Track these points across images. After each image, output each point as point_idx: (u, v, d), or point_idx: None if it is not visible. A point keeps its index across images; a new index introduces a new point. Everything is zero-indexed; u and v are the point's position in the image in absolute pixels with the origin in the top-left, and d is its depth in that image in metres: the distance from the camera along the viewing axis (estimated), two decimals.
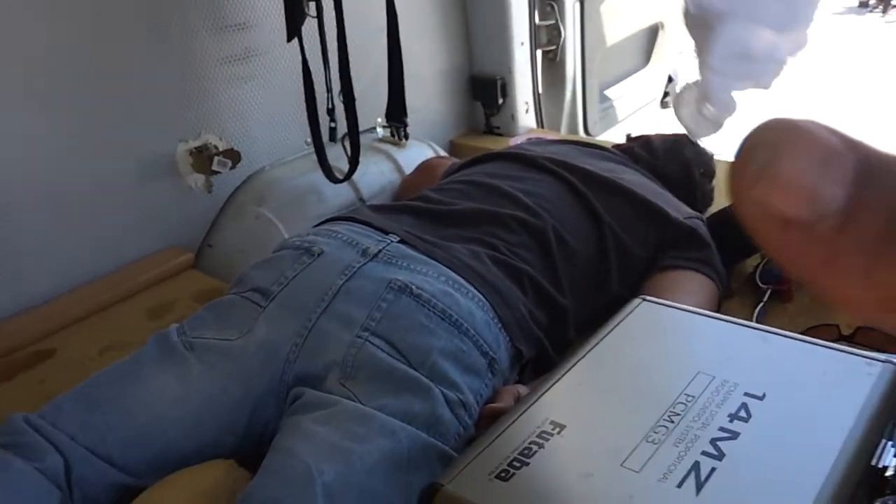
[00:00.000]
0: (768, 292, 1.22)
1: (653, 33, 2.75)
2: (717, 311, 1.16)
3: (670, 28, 2.77)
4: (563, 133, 2.41)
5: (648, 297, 0.89)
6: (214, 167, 1.50)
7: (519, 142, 1.84)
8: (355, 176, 1.64)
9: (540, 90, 2.37)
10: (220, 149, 1.55)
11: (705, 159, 1.45)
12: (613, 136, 2.58)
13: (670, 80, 3.18)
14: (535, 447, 0.68)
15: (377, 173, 1.69)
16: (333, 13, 1.35)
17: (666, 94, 3.21)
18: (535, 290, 1.02)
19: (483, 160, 1.32)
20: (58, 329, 1.29)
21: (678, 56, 3.05)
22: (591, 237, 1.13)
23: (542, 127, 2.29)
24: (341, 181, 1.50)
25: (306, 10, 1.45)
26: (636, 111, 2.77)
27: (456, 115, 2.13)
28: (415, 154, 1.74)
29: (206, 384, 0.88)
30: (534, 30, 2.07)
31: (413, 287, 0.90)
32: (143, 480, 0.84)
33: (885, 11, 7.45)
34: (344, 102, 1.38)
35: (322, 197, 1.59)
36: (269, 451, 0.80)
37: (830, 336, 1.12)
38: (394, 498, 0.76)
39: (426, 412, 0.81)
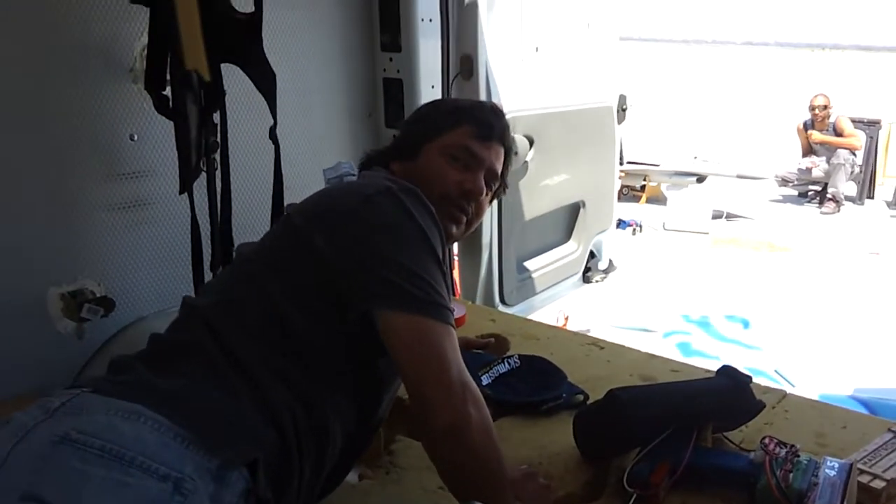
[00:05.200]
0: (633, 497, 1.16)
1: (574, 211, 2.83)
2: None
3: (591, 207, 2.86)
4: (479, 302, 2.40)
5: None
6: (84, 314, 1.44)
7: None
8: None
9: (456, 256, 2.39)
10: (97, 294, 1.49)
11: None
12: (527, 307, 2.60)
13: (592, 255, 3.25)
14: None
15: None
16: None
17: (588, 269, 3.28)
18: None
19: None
20: None
21: (599, 234, 3.14)
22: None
23: (455, 294, 2.28)
24: None
25: (201, 166, 1.46)
26: (555, 284, 2.80)
27: None
28: None
29: None
30: None
31: (72, 433, 0.85)
32: None
33: (821, 203, 7.94)
34: (222, 258, 1.35)
35: None
36: None
37: None
38: None
39: None
